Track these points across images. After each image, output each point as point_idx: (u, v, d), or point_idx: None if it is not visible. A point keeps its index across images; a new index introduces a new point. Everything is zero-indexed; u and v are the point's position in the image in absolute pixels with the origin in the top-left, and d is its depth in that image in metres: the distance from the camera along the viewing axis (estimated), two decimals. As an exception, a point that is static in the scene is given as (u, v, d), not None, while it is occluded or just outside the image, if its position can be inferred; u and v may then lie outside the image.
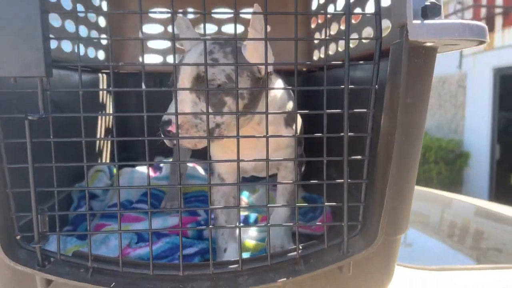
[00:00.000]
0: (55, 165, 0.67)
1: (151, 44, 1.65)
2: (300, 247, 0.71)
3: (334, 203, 0.70)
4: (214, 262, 0.69)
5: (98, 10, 1.43)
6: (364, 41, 0.99)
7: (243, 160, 0.74)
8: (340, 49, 1.25)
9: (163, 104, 1.04)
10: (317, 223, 1.08)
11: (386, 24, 0.80)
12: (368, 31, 1.02)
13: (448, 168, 6.20)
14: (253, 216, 1.12)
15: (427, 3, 0.64)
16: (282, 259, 0.71)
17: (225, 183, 0.93)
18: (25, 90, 0.65)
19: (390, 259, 0.77)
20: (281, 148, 0.92)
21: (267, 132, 0.68)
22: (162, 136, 0.74)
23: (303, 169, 1.08)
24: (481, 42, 0.65)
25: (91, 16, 1.39)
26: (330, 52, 1.29)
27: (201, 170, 1.47)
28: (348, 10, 0.65)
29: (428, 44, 0.66)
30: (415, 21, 0.62)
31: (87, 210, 0.70)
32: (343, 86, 0.66)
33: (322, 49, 1.37)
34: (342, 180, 0.68)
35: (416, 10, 0.63)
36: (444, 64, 6.69)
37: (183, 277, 0.69)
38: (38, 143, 0.64)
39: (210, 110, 0.74)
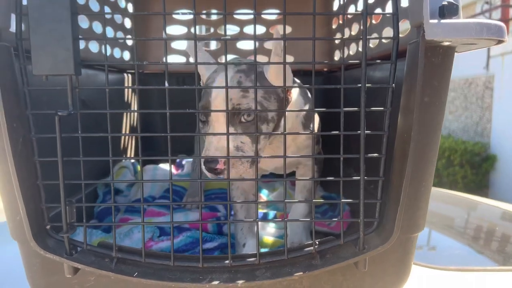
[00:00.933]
0: (82, 159, 0.70)
1: (175, 45, 1.69)
2: (317, 243, 0.72)
3: (351, 200, 0.71)
4: (233, 255, 0.72)
5: (124, 12, 1.48)
6: (384, 41, 1.00)
7: (261, 157, 0.76)
8: (360, 49, 1.26)
9: (186, 102, 1.07)
10: (333, 219, 1.09)
11: (407, 25, 0.80)
12: (388, 31, 1.02)
13: (474, 171, 6.07)
14: (271, 213, 1.14)
15: (445, 2, 0.64)
16: (299, 253, 0.72)
17: (244, 179, 0.95)
18: (55, 87, 0.69)
19: (407, 257, 0.77)
20: (300, 150, 0.94)
21: (284, 130, 0.70)
22: (207, 172, 0.76)
23: (321, 167, 1.09)
24: (500, 41, 0.66)
25: (117, 18, 1.44)
26: (351, 52, 1.30)
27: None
28: (365, 10, 0.66)
29: (446, 43, 0.66)
30: (431, 21, 0.62)
31: (113, 203, 0.73)
32: (360, 85, 0.68)
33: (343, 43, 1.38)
34: (359, 177, 0.70)
35: (433, 9, 0.64)
36: (470, 66, 6.55)
37: (202, 269, 0.71)
38: (66, 141, 0.68)
39: (250, 140, 0.78)
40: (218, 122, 0.77)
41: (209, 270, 0.71)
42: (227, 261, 0.71)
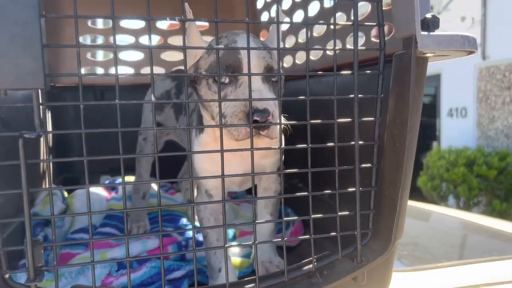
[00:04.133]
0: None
1: (92, 56, 1.55)
2: (315, 259, 0.69)
3: (347, 212, 0.70)
4: (230, 283, 0.65)
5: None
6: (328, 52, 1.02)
7: (228, 176, 0.69)
8: (312, 58, 1.27)
9: (105, 119, 0.97)
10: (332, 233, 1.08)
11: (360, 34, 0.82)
12: (348, 41, 1.04)
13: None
14: (231, 232, 1.08)
15: (428, 16, 0.67)
16: (298, 273, 0.69)
17: (211, 201, 0.88)
18: (15, 104, 0.57)
19: (390, 264, 0.79)
20: (269, 154, 0.90)
21: (252, 146, 0.65)
22: (253, 124, 0.67)
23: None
24: (471, 53, 0.70)
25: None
26: (298, 61, 1.31)
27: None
28: (356, 21, 0.66)
29: (427, 54, 0.69)
30: (423, 33, 0.65)
31: (54, 243, 0.60)
32: (352, 96, 0.67)
33: (297, 55, 1.37)
34: (354, 189, 0.69)
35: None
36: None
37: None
38: None
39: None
40: (254, 78, 0.73)
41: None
42: (224, 291, 0.64)
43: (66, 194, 1.25)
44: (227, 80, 0.76)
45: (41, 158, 1.31)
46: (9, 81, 0.53)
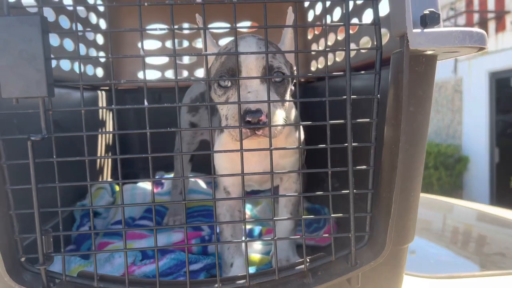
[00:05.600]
0: (58, 185, 0.66)
1: (149, 60, 1.66)
2: (308, 260, 0.70)
3: (341, 214, 0.69)
4: (221, 278, 0.69)
5: (97, 29, 1.44)
6: (363, 51, 1.00)
7: (247, 174, 0.73)
8: (338, 59, 1.26)
9: (163, 118, 1.03)
10: (324, 235, 1.07)
11: (383, 32, 0.80)
12: (365, 41, 1.02)
13: (448, 173, 6.19)
14: (257, 229, 1.11)
15: (426, 12, 0.64)
16: (290, 272, 0.70)
17: (230, 198, 0.92)
18: (26, 110, 0.65)
19: (398, 269, 0.76)
20: (288, 154, 0.92)
21: (270, 145, 0.68)
22: (244, 125, 0.71)
23: (305, 180, 1.08)
24: (481, 49, 0.66)
25: (89, 34, 1.40)
26: (329, 62, 1.29)
27: (203, 184, 1.46)
28: (347, 21, 0.65)
29: (429, 52, 0.66)
30: (415, 30, 0.62)
31: (92, 229, 0.69)
32: (345, 97, 0.66)
33: (320, 59, 1.38)
34: (348, 191, 0.68)
35: (415, 19, 0.64)
36: (439, 70, 6.70)
37: (190, 294, 0.68)
38: (39, 163, 0.64)
39: (280, 104, 0.80)
40: (251, 80, 0.76)
41: (197, 295, 0.68)
42: (216, 285, 0.68)
43: (117, 188, 1.37)
44: (229, 84, 0.79)
45: (98, 155, 1.45)
46: (19, 91, 0.61)
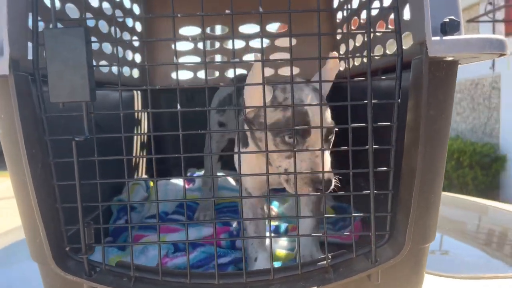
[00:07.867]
0: (99, 181, 0.72)
1: (182, 60, 1.72)
2: (330, 257, 0.74)
3: (362, 213, 0.73)
4: (247, 271, 0.73)
5: (133, 33, 1.51)
6: (388, 51, 1.02)
7: (272, 174, 0.77)
8: (365, 60, 1.27)
9: (195, 118, 1.09)
10: (345, 233, 1.10)
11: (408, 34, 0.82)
12: (392, 42, 1.04)
13: (484, 172, 6.02)
14: (283, 226, 1.15)
15: (446, 19, 0.66)
16: (312, 267, 0.74)
17: (255, 196, 0.97)
18: (71, 113, 0.71)
19: (419, 267, 0.79)
20: None
21: (294, 146, 0.72)
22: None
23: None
24: (502, 55, 0.67)
25: (125, 36, 1.47)
26: (356, 63, 1.32)
27: (232, 181, 1.51)
28: (368, 29, 0.68)
29: (449, 58, 0.68)
30: (434, 38, 0.64)
31: (129, 222, 0.75)
32: (366, 101, 0.69)
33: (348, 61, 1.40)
34: (369, 191, 0.71)
35: (435, 26, 0.66)
36: (476, 66, 6.53)
37: (218, 285, 0.73)
38: (81, 160, 0.70)
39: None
40: (318, 141, 0.79)
41: (224, 286, 0.73)
42: (242, 277, 0.72)
43: (151, 184, 1.44)
44: (296, 142, 0.79)
45: (134, 152, 1.53)
46: (64, 95, 0.67)
